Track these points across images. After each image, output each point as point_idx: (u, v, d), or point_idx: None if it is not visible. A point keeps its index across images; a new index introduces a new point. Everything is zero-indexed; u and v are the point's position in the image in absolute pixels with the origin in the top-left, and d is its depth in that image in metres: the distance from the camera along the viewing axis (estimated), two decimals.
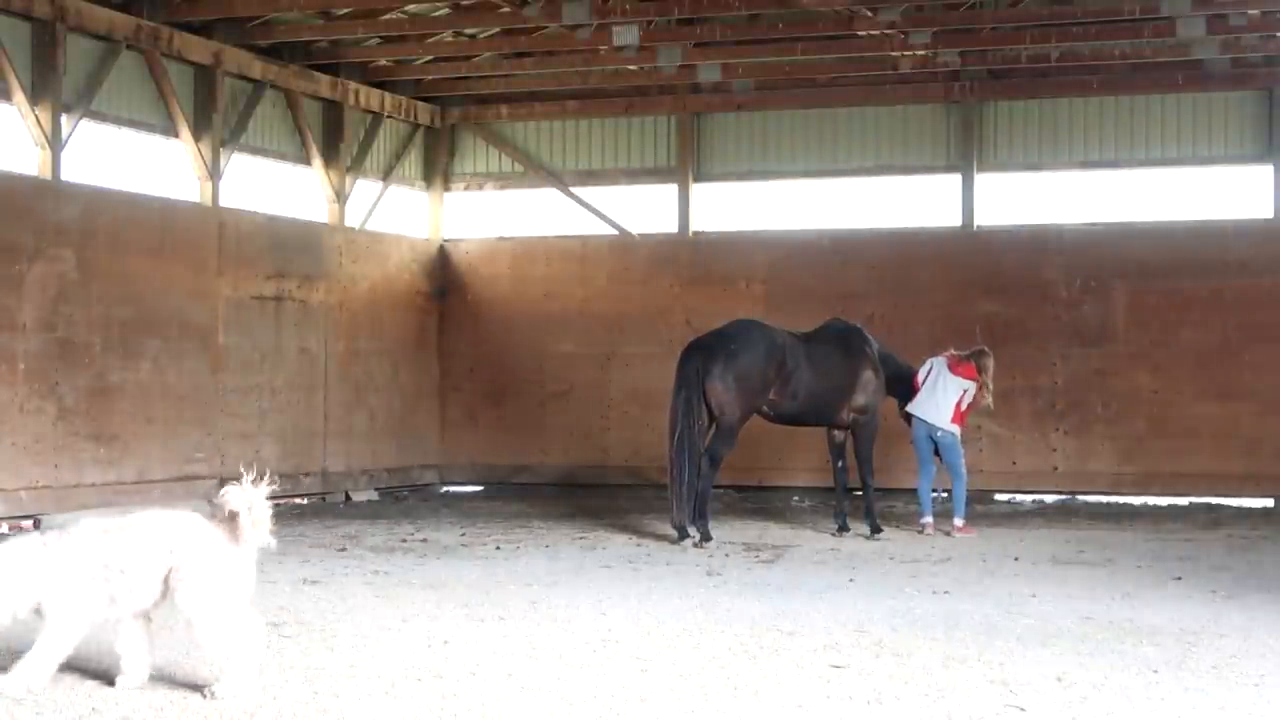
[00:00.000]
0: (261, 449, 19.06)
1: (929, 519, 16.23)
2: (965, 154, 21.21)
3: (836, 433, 16.33)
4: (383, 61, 21.16)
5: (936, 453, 16.25)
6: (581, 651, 8.66)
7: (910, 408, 16.24)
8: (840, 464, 16.29)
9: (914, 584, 11.90)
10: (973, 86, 21.06)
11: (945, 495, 16.98)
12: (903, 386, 16.47)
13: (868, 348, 16.19)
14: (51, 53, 16.27)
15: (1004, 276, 20.78)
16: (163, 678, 7.78)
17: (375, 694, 7.47)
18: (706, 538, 14.80)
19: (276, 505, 7.67)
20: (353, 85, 20.95)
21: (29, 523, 15.31)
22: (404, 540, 15.11)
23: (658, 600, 10.73)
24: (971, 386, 16.19)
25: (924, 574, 12.59)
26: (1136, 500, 20.20)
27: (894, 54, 19.65)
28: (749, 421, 15.57)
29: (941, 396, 16.08)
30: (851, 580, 12.12)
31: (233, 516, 7.47)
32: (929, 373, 16.18)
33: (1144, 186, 21.18)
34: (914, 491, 16.63)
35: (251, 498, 7.49)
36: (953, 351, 16.37)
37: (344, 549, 14.23)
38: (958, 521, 16.23)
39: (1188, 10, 17.70)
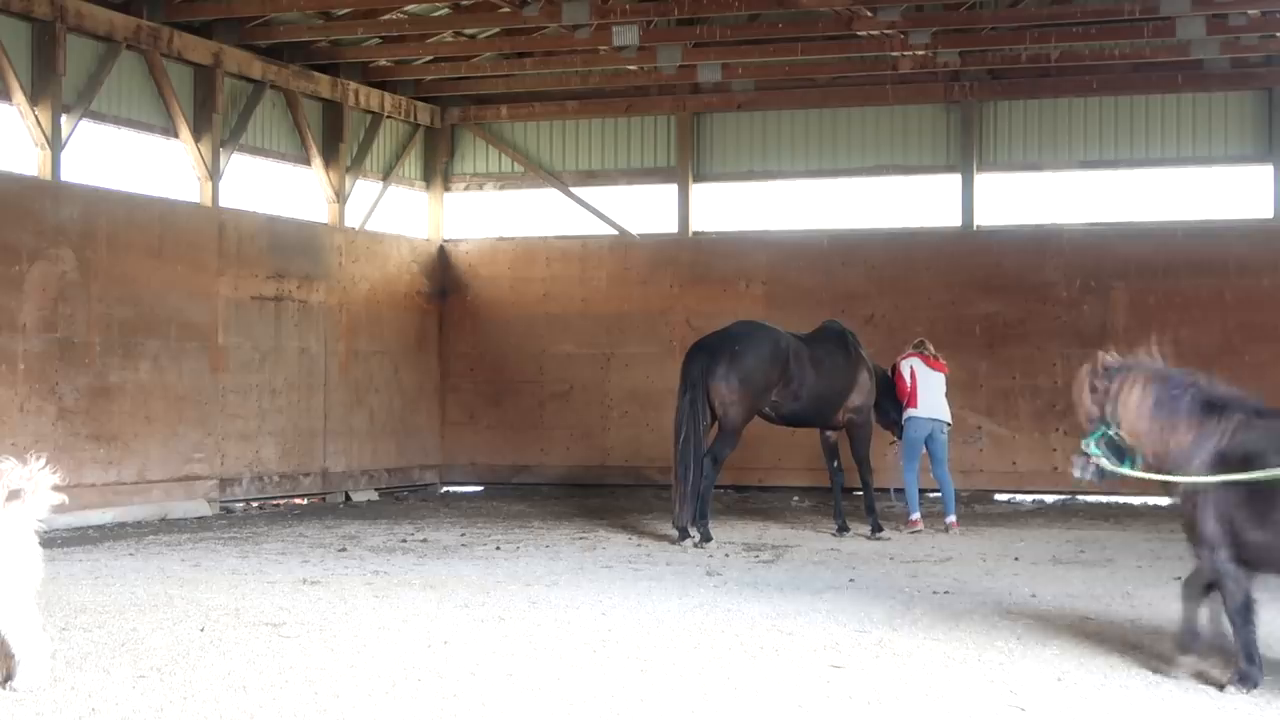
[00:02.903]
0: (261, 449, 19.07)
1: (918, 514, 16.30)
2: (965, 154, 21.21)
3: (829, 434, 16.39)
4: (383, 61, 21.16)
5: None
6: (581, 651, 8.66)
7: (916, 412, 16.25)
8: (835, 464, 16.34)
9: (914, 584, 11.90)
10: (973, 86, 21.05)
11: (937, 495, 17.01)
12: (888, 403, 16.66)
13: (861, 350, 16.32)
14: (51, 53, 16.27)
15: (1004, 276, 20.78)
16: (160, 676, 7.79)
17: (375, 694, 7.47)
18: (707, 538, 14.81)
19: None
20: (353, 85, 20.95)
21: None
22: (404, 540, 15.11)
23: (658, 600, 10.73)
24: (944, 379, 16.42)
25: (924, 574, 12.59)
26: (1136, 500, 20.19)
27: (894, 54, 19.65)
28: (750, 422, 15.59)
29: (937, 393, 16.28)
30: (851, 580, 12.12)
31: (14, 494, 7.40)
32: (911, 374, 16.25)
33: (1144, 186, 21.17)
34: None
35: (30, 473, 7.43)
36: (922, 351, 16.45)
37: (344, 549, 14.24)
38: (951, 519, 16.33)
39: (1187, 10, 17.69)
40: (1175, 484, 8.01)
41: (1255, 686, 7.69)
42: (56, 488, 7.51)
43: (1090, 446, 8.37)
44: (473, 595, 10.90)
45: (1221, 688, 7.76)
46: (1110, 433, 8.30)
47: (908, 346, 16.75)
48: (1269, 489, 7.61)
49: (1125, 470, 8.31)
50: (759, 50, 20.28)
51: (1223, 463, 7.85)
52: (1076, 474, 8.55)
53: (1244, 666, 7.76)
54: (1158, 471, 8.14)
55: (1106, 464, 8.32)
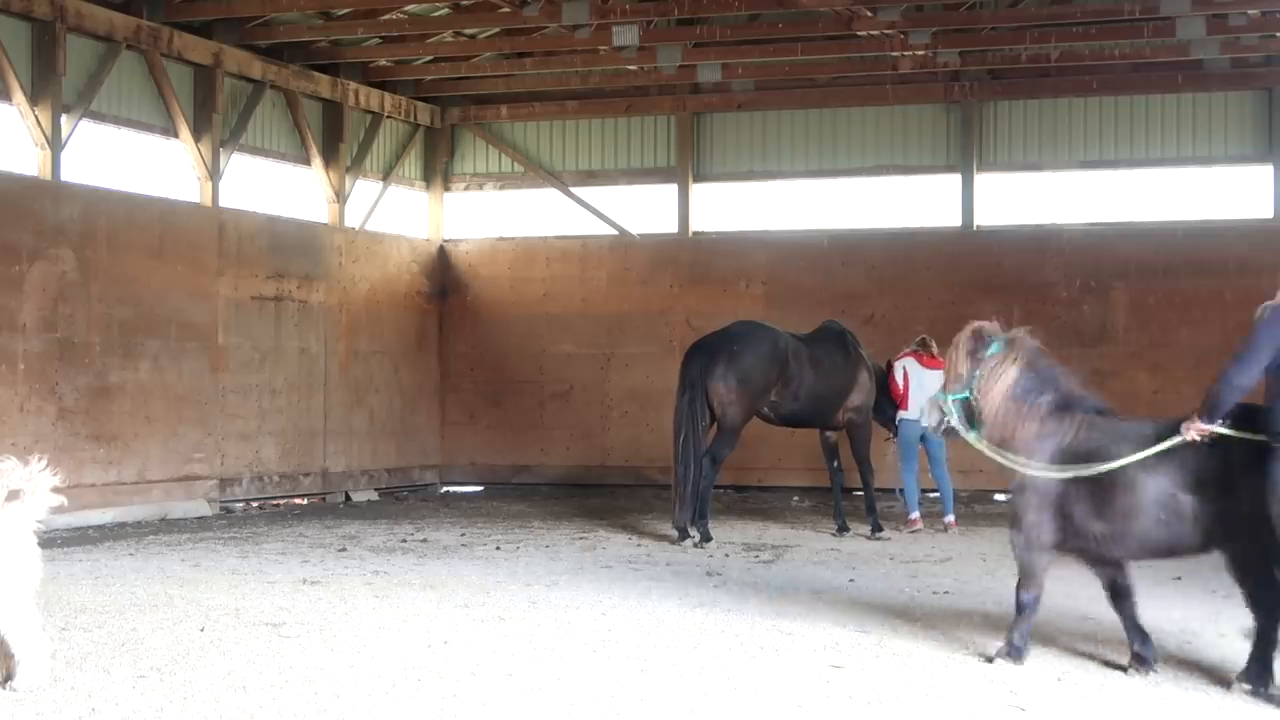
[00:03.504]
0: (261, 449, 19.07)
1: (917, 514, 16.32)
2: (965, 154, 21.22)
3: (829, 434, 16.39)
4: (383, 61, 21.16)
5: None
6: (581, 651, 8.66)
7: (907, 414, 16.21)
8: (835, 464, 16.34)
9: (914, 584, 11.90)
10: (973, 86, 21.06)
11: (936, 495, 17.00)
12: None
13: (860, 350, 16.30)
14: (51, 53, 16.27)
15: (1004, 276, 20.78)
16: (160, 676, 7.79)
17: (375, 694, 7.48)
18: (706, 538, 14.81)
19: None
20: (353, 85, 20.95)
21: None
22: (404, 540, 15.11)
23: (658, 600, 10.73)
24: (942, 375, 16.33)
25: (924, 574, 12.59)
26: None
27: (894, 54, 19.65)
28: (749, 422, 15.59)
29: (932, 393, 16.19)
30: (851, 580, 12.12)
31: (14, 495, 7.40)
32: (904, 375, 16.21)
33: (1144, 186, 21.17)
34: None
35: (30, 473, 7.43)
36: (920, 350, 16.36)
37: (344, 549, 14.23)
38: (950, 519, 16.34)
39: (1187, 10, 17.69)
40: (1012, 472, 8.41)
41: (1021, 661, 8.33)
42: (56, 489, 7.51)
43: (948, 404, 8.78)
44: (473, 595, 10.90)
45: (990, 660, 8.38)
46: (970, 398, 8.67)
47: (908, 345, 16.71)
48: (1107, 482, 8.02)
49: (971, 438, 8.70)
50: (759, 50, 20.28)
51: (1067, 457, 8.24)
52: (924, 421, 9.12)
53: (1016, 643, 8.40)
54: (1002, 450, 8.49)
55: (957, 425, 8.74)
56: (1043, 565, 8.42)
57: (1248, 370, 7.55)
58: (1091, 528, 8.15)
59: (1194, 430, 7.70)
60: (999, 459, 8.50)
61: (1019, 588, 8.49)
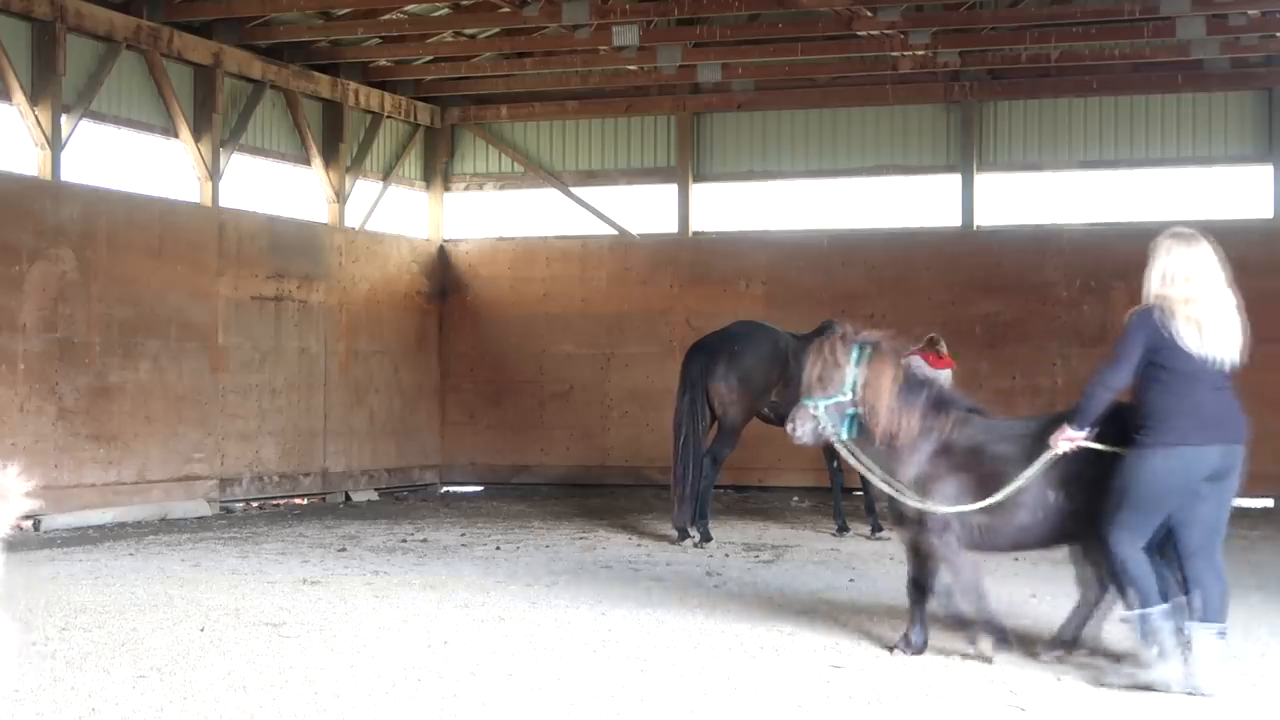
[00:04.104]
0: (261, 449, 19.07)
1: None
2: (965, 154, 21.22)
3: None
4: (383, 61, 21.17)
5: None
6: (581, 651, 8.67)
7: None
8: (835, 464, 16.31)
9: None
10: (973, 86, 21.06)
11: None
12: None
13: None
14: (51, 53, 16.27)
15: (1004, 276, 20.79)
16: (160, 676, 7.79)
17: (375, 694, 7.48)
18: (706, 538, 14.82)
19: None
20: (353, 85, 20.95)
21: (29, 523, 15.28)
22: (404, 540, 15.11)
23: (658, 600, 10.73)
24: (949, 374, 16.29)
25: None
26: None
27: (894, 54, 19.66)
28: (749, 422, 15.59)
29: None
30: (851, 580, 12.12)
31: None
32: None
33: (1144, 186, 21.17)
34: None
35: (5, 476, 7.42)
36: (928, 349, 16.32)
37: (344, 549, 14.24)
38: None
39: (1187, 10, 17.69)
40: (902, 472, 8.56)
41: (1011, 648, 8.52)
42: (29, 494, 7.50)
43: (819, 409, 8.77)
44: (473, 595, 10.90)
45: (990, 660, 8.39)
46: (843, 400, 8.74)
47: (914, 343, 16.62)
48: (993, 478, 8.31)
49: (843, 441, 8.70)
50: (759, 50, 20.28)
51: (949, 450, 8.54)
52: (796, 432, 8.89)
53: (997, 635, 8.52)
54: (887, 448, 8.61)
55: (830, 431, 8.72)
56: (963, 552, 8.61)
57: (1119, 372, 7.93)
58: (974, 520, 8.45)
59: (1063, 441, 8.05)
60: (866, 473, 8.65)
61: (954, 586, 8.65)
